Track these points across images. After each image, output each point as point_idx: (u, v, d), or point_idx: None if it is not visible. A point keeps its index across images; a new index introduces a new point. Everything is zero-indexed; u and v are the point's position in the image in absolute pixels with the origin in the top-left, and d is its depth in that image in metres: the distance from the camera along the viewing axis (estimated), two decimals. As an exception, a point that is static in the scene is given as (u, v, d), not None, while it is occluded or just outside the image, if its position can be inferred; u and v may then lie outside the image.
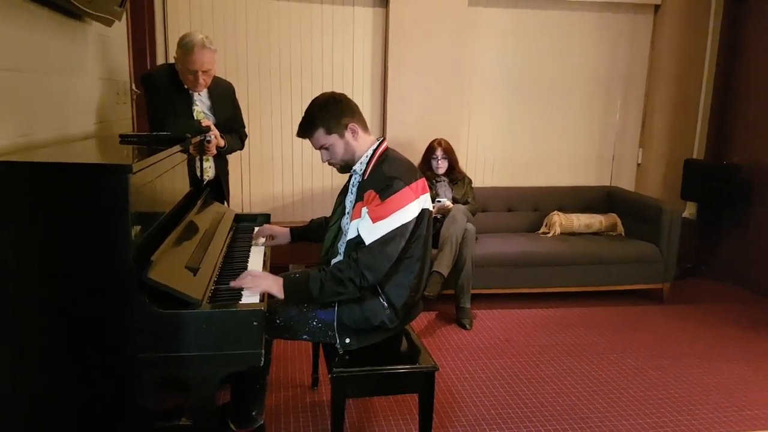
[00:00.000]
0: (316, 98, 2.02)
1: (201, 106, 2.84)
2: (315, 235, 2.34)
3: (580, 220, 4.20)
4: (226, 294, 1.74)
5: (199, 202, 2.27)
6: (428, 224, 2.01)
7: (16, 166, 1.46)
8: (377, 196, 1.87)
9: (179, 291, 1.51)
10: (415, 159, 3.84)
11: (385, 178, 1.90)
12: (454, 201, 3.75)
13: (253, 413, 2.19)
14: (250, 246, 2.32)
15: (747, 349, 3.26)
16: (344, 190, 2.16)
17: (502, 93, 4.49)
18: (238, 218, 2.69)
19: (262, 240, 2.38)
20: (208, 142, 2.68)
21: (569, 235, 4.16)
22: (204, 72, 2.68)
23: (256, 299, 1.71)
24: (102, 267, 1.45)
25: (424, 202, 1.99)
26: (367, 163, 2.01)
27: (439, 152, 3.80)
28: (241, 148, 3.10)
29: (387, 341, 2.02)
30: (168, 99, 2.75)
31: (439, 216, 3.59)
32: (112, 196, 1.43)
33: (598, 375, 2.91)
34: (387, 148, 2.06)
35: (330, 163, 2.07)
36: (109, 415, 1.53)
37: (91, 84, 2.62)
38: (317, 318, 1.95)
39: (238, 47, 4.03)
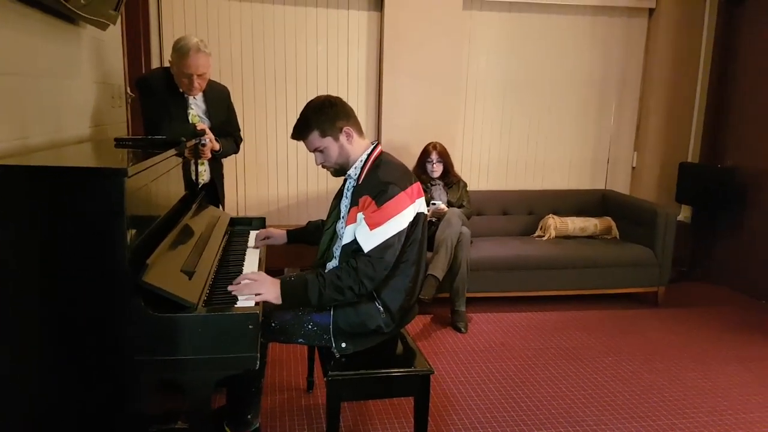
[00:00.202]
0: (312, 101, 2.02)
1: (196, 109, 2.84)
2: (311, 237, 2.35)
3: (574, 224, 4.22)
4: (221, 297, 1.73)
5: (194, 206, 2.27)
6: (423, 228, 2.01)
7: (13, 169, 1.46)
8: (373, 202, 1.88)
9: (175, 294, 1.51)
10: (410, 163, 3.85)
11: (380, 183, 1.90)
12: (449, 204, 3.76)
13: (249, 416, 2.19)
14: (245, 250, 2.31)
15: (742, 352, 3.28)
16: (339, 194, 2.16)
17: (497, 96, 4.50)
18: (234, 222, 2.69)
19: (260, 243, 2.38)
20: (203, 145, 2.68)
21: (564, 238, 4.17)
22: (199, 75, 2.68)
23: (251, 302, 1.71)
24: (98, 270, 1.45)
25: (420, 206, 1.99)
26: (362, 168, 2.01)
27: (434, 156, 3.81)
28: (236, 152, 3.10)
29: (382, 344, 2.02)
30: (163, 102, 2.75)
31: (434, 219, 3.59)
32: (108, 200, 1.43)
33: (593, 378, 2.91)
34: (381, 152, 2.06)
35: (324, 166, 2.07)
36: (106, 417, 1.52)
37: (85, 87, 2.61)
38: (313, 321, 1.95)
39: (233, 51, 4.03)
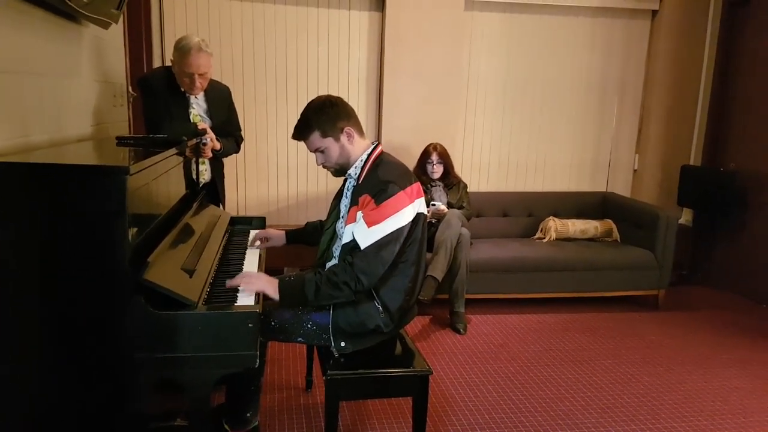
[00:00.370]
0: (312, 101, 2.03)
1: (197, 109, 2.85)
2: (310, 238, 2.35)
3: (575, 226, 4.22)
4: (221, 296, 1.74)
5: (194, 205, 2.28)
6: (423, 228, 2.02)
7: (15, 167, 1.46)
8: (372, 200, 1.88)
9: (175, 292, 1.52)
10: (411, 163, 3.85)
11: (380, 182, 1.90)
12: (449, 206, 3.76)
13: (248, 414, 2.19)
14: (245, 249, 2.32)
15: (742, 356, 3.27)
16: (339, 194, 2.17)
17: (498, 98, 4.51)
18: (234, 221, 2.70)
19: (257, 242, 2.39)
20: (204, 144, 2.69)
21: (564, 240, 4.17)
22: (200, 75, 2.68)
23: (251, 301, 1.71)
24: (99, 268, 1.45)
25: (419, 206, 1.99)
26: (362, 168, 2.01)
27: (434, 157, 3.81)
28: (237, 151, 3.11)
29: (381, 345, 2.03)
30: (164, 102, 2.75)
31: (434, 220, 3.59)
32: (109, 198, 1.43)
33: (592, 381, 2.91)
34: (382, 152, 2.06)
35: (325, 167, 2.08)
36: (106, 415, 1.53)
37: (87, 86, 2.62)
38: (312, 321, 1.95)
39: (234, 50, 4.04)
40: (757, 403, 2.75)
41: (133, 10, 3.33)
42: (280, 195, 4.34)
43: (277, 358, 3.03)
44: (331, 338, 1.94)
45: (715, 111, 4.60)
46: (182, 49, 2.63)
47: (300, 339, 1.98)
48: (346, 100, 2.06)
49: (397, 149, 4.06)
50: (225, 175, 3.18)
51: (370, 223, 1.86)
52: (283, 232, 2.42)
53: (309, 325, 1.95)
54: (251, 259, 2.19)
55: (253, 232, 2.49)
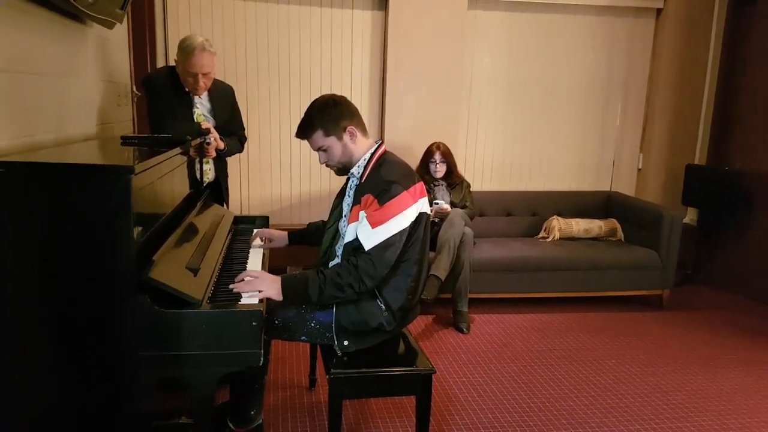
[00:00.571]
0: (316, 100, 2.03)
1: (201, 108, 2.86)
2: (312, 238, 2.35)
3: (579, 225, 4.21)
4: (225, 294, 1.75)
5: (198, 204, 2.29)
6: (426, 228, 2.01)
7: (20, 166, 1.47)
8: (375, 200, 1.88)
9: (180, 291, 1.52)
10: (414, 163, 3.85)
11: (383, 182, 1.91)
12: (453, 205, 3.76)
13: (252, 413, 2.20)
14: (249, 248, 2.33)
15: (747, 356, 3.26)
16: (342, 193, 2.17)
17: (501, 97, 4.50)
18: (237, 220, 2.71)
19: (259, 242, 2.39)
20: (208, 144, 2.70)
21: (568, 240, 4.16)
22: (204, 75, 2.69)
23: (255, 300, 1.72)
24: (104, 266, 1.46)
25: (422, 205, 1.99)
26: (365, 167, 2.02)
27: (437, 156, 3.81)
28: (240, 151, 3.12)
29: (384, 344, 2.03)
30: (168, 102, 2.76)
31: (437, 220, 3.59)
32: (114, 197, 1.44)
33: (595, 380, 2.91)
34: (385, 152, 2.07)
35: (327, 165, 2.08)
36: (109, 413, 1.53)
37: (92, 86, 2.63)
38: (315, 319, 1.96)
39: (238, 50, 4.05)
40: (762, 404, 2.74)
41: (137, 10, 3.35)
42: (284, 194, 4.34)
43: (280, 357, 3.04)
44: (334, 337, 1.95)
45: (720, 110, 4.58)
46: (186, 49, 2.64)
47: (303, 338, 1.99)
48: (349, 99, 2.06)
49: (400, 148, 4.05)
50: (229, 175, 3.19)
51: (374, 224, 1.86)
52: (286, 232, 2.42)
53: (312, 324, 1.96)
54: (255, 258, 2.20)
55: (255, 231, 2.49)
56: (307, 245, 2.40)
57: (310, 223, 2.43)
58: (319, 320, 1.95)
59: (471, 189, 3.96)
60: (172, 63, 2.86)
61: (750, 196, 4.27)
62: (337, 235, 2.12)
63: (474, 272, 3.57)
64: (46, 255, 1.44)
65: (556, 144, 4.64)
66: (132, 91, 3.25)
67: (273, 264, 2.36)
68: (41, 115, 2.06)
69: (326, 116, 1.97)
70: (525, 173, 4.65)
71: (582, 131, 4.66)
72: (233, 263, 2.11)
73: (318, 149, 2.03)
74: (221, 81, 2.98)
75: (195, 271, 1.71)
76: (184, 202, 2.20)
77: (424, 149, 3.90)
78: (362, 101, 4.30)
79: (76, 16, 2.35)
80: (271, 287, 1.82)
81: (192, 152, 2.43)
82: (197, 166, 2.62)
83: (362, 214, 1.91)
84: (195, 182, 2.53)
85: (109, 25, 2.66)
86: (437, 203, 3.62)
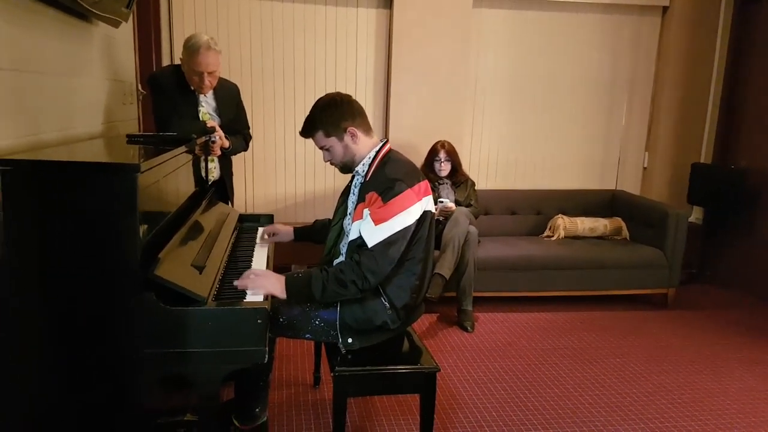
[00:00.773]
0: (320, 99, 2.03)
1: (206, 107, 2.86)
2: (318, 235, 2.36)
3: (584, 224, 4.20)
4: (231, 292, 1.75)
5: (203, 202, 2.29)
6: (430, 226, 2.02)
7: (25, 164, 1.47)
8: (379, 198, 1.88)
9: (186, 288, 1.53)
10: (418, 161, 3.85)
11: (387, 179, 1.91)
12: (457, 203, 3.75)
13: (257, 410, 2.21)
14: (254, 246, 2.34)
15: (752, 356, 3.25)
16: (346, 191, 2.17)
17: (506, 95, 4.49)
18: (242, 218, 2.71)
19: (265, 236, 2.40)
20: (213, 142, 2.70)
21: (573, 238, 4.15)
22: (209, 73, 2.69)
23: (260, 297, 1.73)
24: (110, 264, 1.46)
25: (426, 204, 1.99)
26: (370, 165, 2.02)
27: (442, 154, 3.81)
28: (245, 149, 3.12)
29: (389, 342, 2.03)
30: (173, 100, 2.77)
31: (441, 218, 3.59)
32: (121, 195, 1.44)
33: (600, 379, 2.91)
34: (390, 150, 2.07)
35: (331, 164, 2.09)
36: (113, 410, 1.54)
37: (97, 84, 2.64)
38: (320, 317, 1.96)
39: (243, 49, 4.06)
40: (767, 402, 2.73)
41: (142, 9, 3.36)
42: (288, 193, 4.35)
43: (285, 355, 3.05)
44: (339, 334, 1.95)
45: (726, 108, 4.56)
46: (191, 48, 2.65)
47: (308, 335, 1.99)
48: (353, 97, 2.06)
49: (405, 147, 4.04)
50: (234, 173, 3.20)
51: (377, 221, 1.86)
52: (291, 228, 2.43)
53: (317, 322, 1.96)
54: (260, 256, 2.21)
55: (260, 230, 2.50)
56: (313, 242, 2.41)
57: (316, 220, 2.44)
58: (323, 318, 1.96)
59: (476, 187, 3.95)
60: (177, 62, 2.87)
61: (756, 195, 4.25)
62: (341, 233, 2.13)
63: (478, 271, 3.57)
64: (51, 253, 1.45)
65: (560, 142, 4.63)
66: (137, 90, 3.26)
67: (278, 262, 2.37)
68: (47, 114, 2.07)
69: (327, 117, 1.98)
70: (530, 172, 4.64)
71: (587, 130, 4.65)
72: (238, 261, 2.12)
73: (321, 148, 2.05)
74: (226, 80, 2.98)
75: (200, 269, 1.72)
76: (190, 201, 2.21)
77: (429, 147, 3.90)
78: (367, 99, 4.30)
79: (81, 14, 2.36)
80: (275, 285, 1.83)
81: (197, 151, 2.43)
82: (202, 164, 2.63)
83: (366, 211, 1.91)
84: (200, 180, 2.53)
85: (115, 24, 2.67)
86: (442, 201, 3.62)
